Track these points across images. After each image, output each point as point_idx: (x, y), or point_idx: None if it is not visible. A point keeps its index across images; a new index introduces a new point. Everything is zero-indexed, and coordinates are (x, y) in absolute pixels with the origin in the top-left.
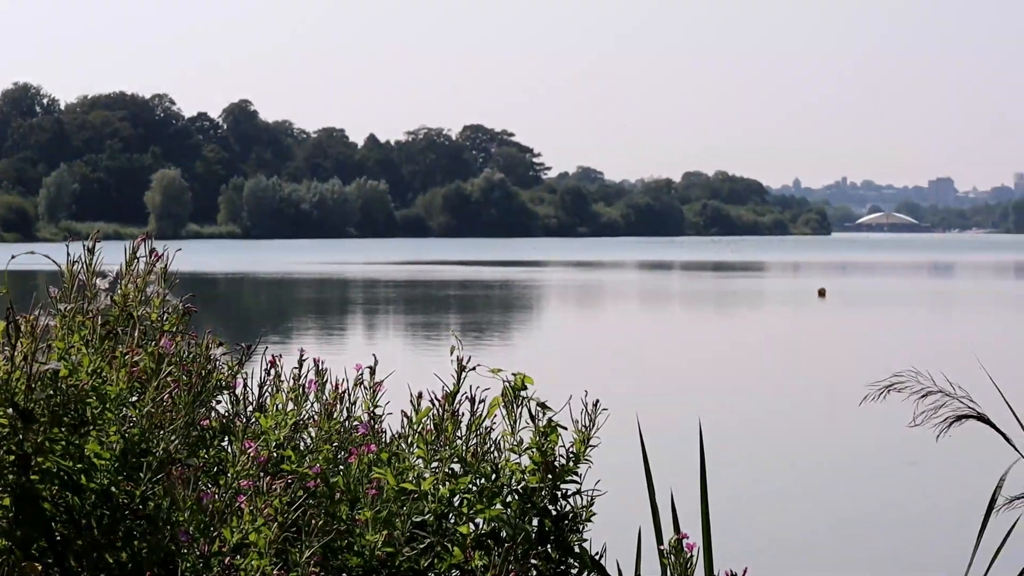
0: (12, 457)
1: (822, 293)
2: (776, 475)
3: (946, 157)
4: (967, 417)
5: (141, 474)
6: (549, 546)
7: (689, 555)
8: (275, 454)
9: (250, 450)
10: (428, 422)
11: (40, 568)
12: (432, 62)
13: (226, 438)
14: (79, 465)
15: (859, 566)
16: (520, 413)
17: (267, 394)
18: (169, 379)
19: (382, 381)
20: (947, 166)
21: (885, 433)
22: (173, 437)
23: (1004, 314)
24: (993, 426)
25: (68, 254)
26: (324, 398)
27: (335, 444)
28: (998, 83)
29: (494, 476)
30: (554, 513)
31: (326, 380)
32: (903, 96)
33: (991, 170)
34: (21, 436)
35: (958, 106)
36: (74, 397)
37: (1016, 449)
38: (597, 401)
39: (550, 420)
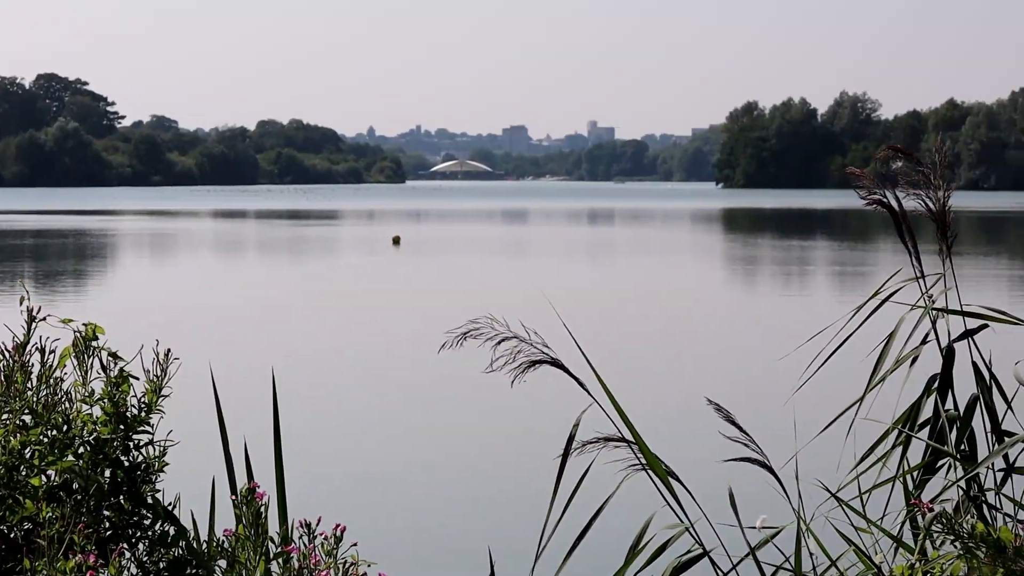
0: None
1: (396, 241)
2: (353, 424)
3: (520, 106)
4: (541, 363)
5: None
6: (122, 497)
7: (261, 503)
8: None
9: None
10: None
11: None
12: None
13: None
14: None
15: (435, 509)
16: (92, 363)
17: None
18: None
19: None
20: (521, 115)
21: (463, 379)
22: None
23: (577, 260)
24: (567, 371)
25: None
26: None
27: None
28: (570, 33)
29: (65, 427)
30: (126, 464)
31: None
32: (477, 46)
33: (565, 118)
34: None
35: (532, 55)
36: None
37: (589, 393)
38: (169, 351)
39: (121, 370)
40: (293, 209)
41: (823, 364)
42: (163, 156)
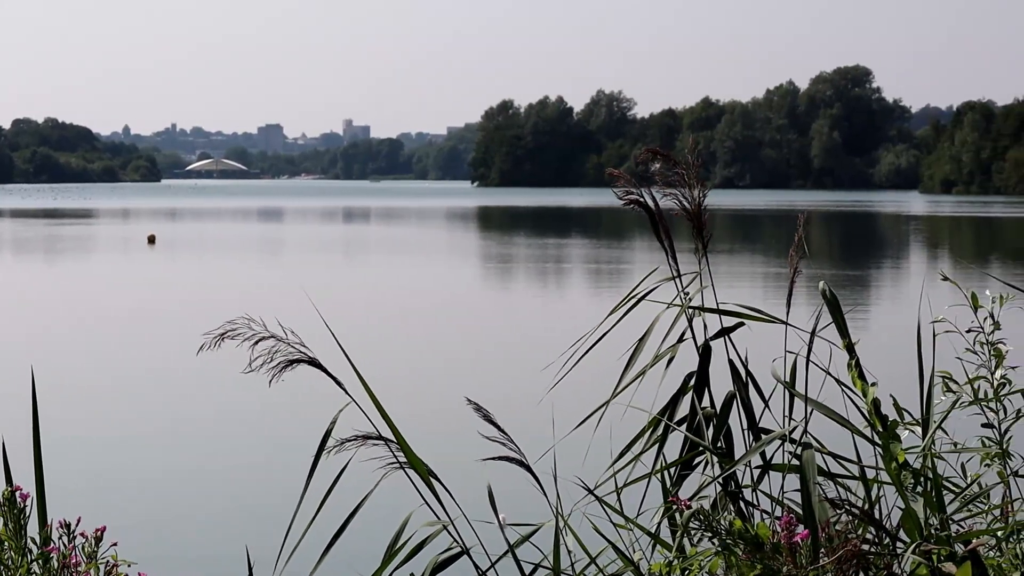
0: None
1: (152, 240)
2: (112, 425)
3: (275, 104)
4: (299, 362)
5: None
6: None
7: (23, 505)
8: None
9: None
10: None
11: None
12: None
13: None
14: None
15: (195, 509)
16: None
17: None
18: None
19: None
20: (276, 113)
21: (223, 380)
22: None
23: (335, 259)
24: (324, 369)
25: None
26: None
27: None
28: (323, 31)
29: None
30: None
31: None
32: (231, 43)
33: (320, 117)
34: None
35: (286, 53)
36: None
37: (347, 392)
38: None
39: None
40: (49, 208)
41: (577, 362)
42: None
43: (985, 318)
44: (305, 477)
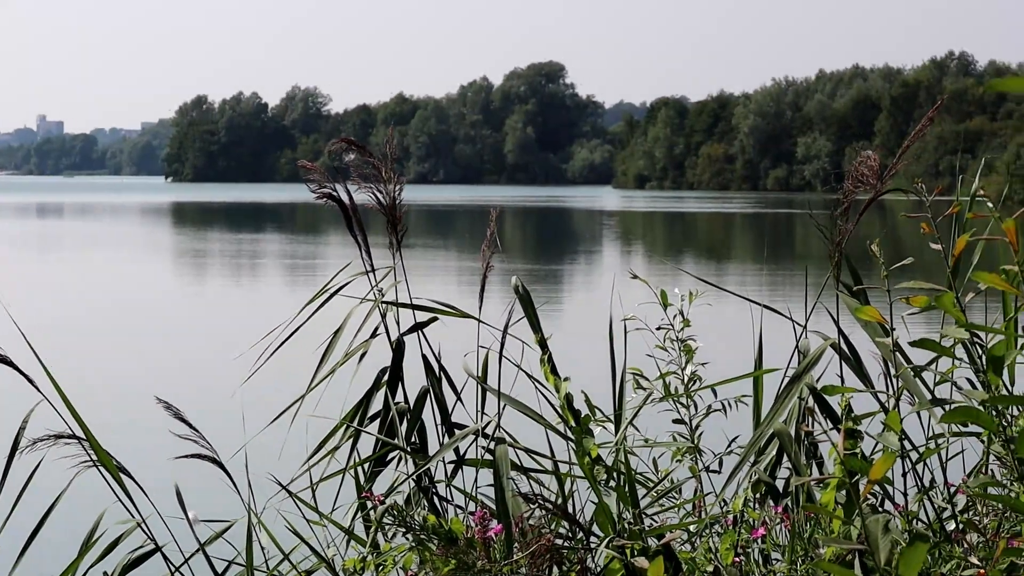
0: None
1: None
2: None
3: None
4: None
5: None
6: None
7: None
8: None
9: None
10: None
11: None
12: None
13: None
14: None
15: None
16: None
17: None
18: None
19: None
20: None
21: None
22: None
23: (27, 255)
24: (15, 367)
25: None
26: None
27: None
28: (8, 24)
29: None
30: None
31: None
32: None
33: (13, 112)
34: None
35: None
36: None
37: (39, 390)
38: None
39: None
40: None
41: (270, 357)
42: None
43: (675, 315)
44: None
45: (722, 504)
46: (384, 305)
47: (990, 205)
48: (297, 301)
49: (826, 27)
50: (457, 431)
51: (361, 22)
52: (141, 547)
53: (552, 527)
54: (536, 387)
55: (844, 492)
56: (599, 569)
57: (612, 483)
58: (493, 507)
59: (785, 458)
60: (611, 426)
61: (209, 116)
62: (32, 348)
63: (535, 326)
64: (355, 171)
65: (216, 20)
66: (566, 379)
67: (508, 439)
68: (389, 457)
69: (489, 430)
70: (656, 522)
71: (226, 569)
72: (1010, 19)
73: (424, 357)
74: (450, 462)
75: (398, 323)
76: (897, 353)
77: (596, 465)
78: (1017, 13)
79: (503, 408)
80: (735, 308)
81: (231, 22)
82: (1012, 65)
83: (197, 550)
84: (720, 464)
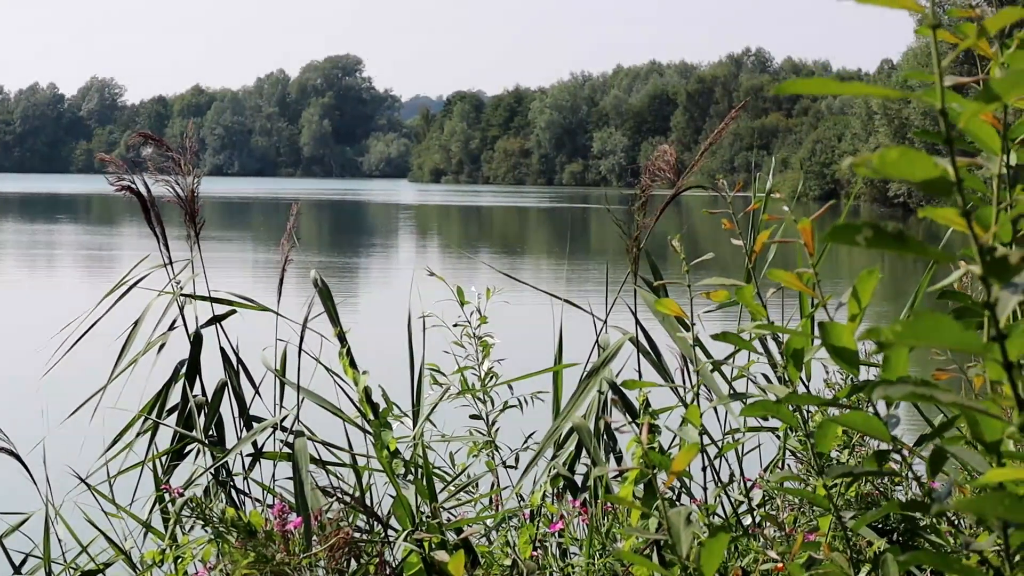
0: None
1: None
2: None
3: None
4: None
5: None
6: None
7: None
8: None
9: None
10: None
11: None
12: None
13: None
14: None
15: None
16: None
17: None
18: None
19: None
20: None
21: None
22: None
23: None
24: None
25: None
26: None
27: None
28: None
29: None
30: None
31: None
32: None
33: None
34: None
35: None
36: None
37: None
38: None
39: None
40: None
41: (68, 351)
42: None
43: (472, 312)
44: None
45: (519, 498)
46: (182, 297)
47: (786, 208)
48: (95, 293)
49: (625, 24)
50: (255, 424)
51: (159, 11)
52: None
53: (351, 520)
54: (335, 381)
55: (642, 486)
56: (397, 562)
57: (410, 477)
58: (292, 500)
59: (584, 453)
60: (409, 421)
61: (4, 106)
62: None
63: (334, 320)
64: (152, 164)
65: (13, 7)
66: (365, 373)
67: (307, 432)
68: (187, 450)
69: (287, 423)
70: (454, 516)
71: (23, 562)
72: (807, 17)
73: (222, 350)
74: (248, 455)
75: (196, 315)
76: (696, 348)
77: (394, 459)
78: (813, 12)
79: (302, 401)
80: (536, 303)
81: (30, 11)
82: (808, 62)
83: None
84: (517, 459)
